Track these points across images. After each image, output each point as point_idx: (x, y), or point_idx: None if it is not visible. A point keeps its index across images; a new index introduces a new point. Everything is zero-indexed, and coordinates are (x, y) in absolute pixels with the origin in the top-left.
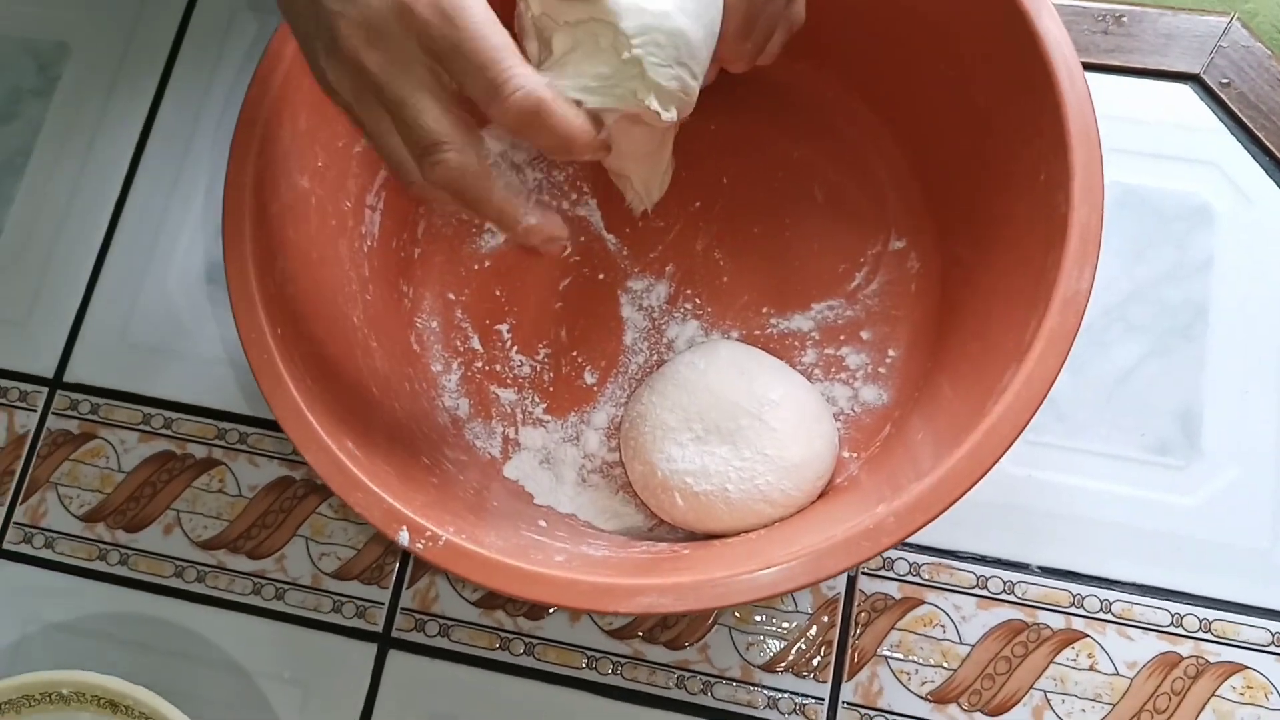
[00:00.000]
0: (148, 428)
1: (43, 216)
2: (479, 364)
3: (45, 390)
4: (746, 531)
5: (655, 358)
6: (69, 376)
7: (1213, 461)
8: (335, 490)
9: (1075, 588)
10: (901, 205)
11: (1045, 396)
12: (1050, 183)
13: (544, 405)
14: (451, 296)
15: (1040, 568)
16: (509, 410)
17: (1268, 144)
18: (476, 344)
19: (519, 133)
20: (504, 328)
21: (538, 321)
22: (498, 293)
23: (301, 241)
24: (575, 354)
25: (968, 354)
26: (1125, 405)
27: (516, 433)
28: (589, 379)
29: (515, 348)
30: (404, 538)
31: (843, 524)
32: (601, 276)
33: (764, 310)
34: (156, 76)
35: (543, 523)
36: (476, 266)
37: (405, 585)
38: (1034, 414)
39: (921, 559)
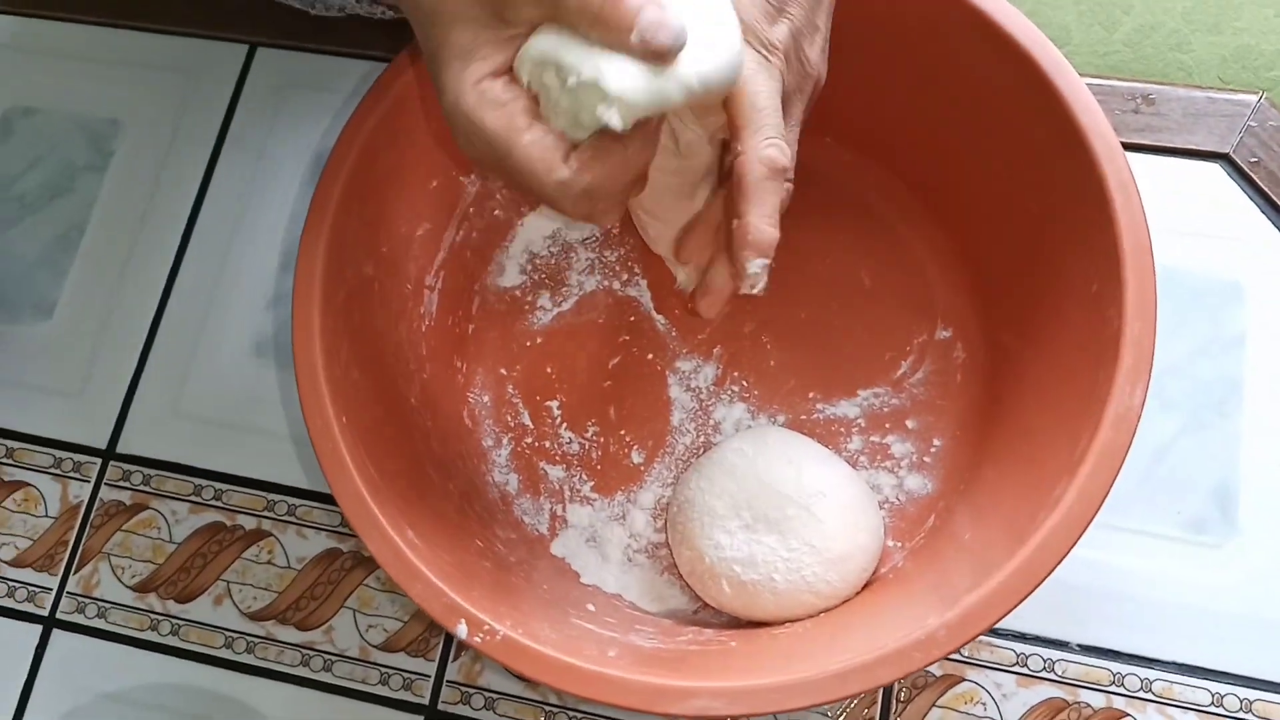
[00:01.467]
0: (198, 499)
1: (97, 290)
2: (529, 439)
3: (99, 461)
4: (791, 620)
5: (702, 439)
6: (122, 448)
7: (1250, 538)
8: (397, 581)
9: (1116, 666)
10: (949, 296)
11: (1097, 512)
12: (1102, 296)
13: (591, 483)
14: (504, 372)
15: (1080, 645)
16: (557, 487)
17: None
18: (527, 419)
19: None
20: (554, 404)
21: (587, 399)
22: (549, 369)
23: (365, 327)
24: (623, 433)
25: (1016, 453)
26: (1161, 482)
27: (564, 510)
28: (636, 458)
29: (564, 424)
30: (462, 631)
31: (890, 628)
32: (650, 356)
33: (810, 395)
34: (208, 152)
35: (591, 606)
36: (529, 343)
37: (451, 659)
38: (1086, 529)
39: None
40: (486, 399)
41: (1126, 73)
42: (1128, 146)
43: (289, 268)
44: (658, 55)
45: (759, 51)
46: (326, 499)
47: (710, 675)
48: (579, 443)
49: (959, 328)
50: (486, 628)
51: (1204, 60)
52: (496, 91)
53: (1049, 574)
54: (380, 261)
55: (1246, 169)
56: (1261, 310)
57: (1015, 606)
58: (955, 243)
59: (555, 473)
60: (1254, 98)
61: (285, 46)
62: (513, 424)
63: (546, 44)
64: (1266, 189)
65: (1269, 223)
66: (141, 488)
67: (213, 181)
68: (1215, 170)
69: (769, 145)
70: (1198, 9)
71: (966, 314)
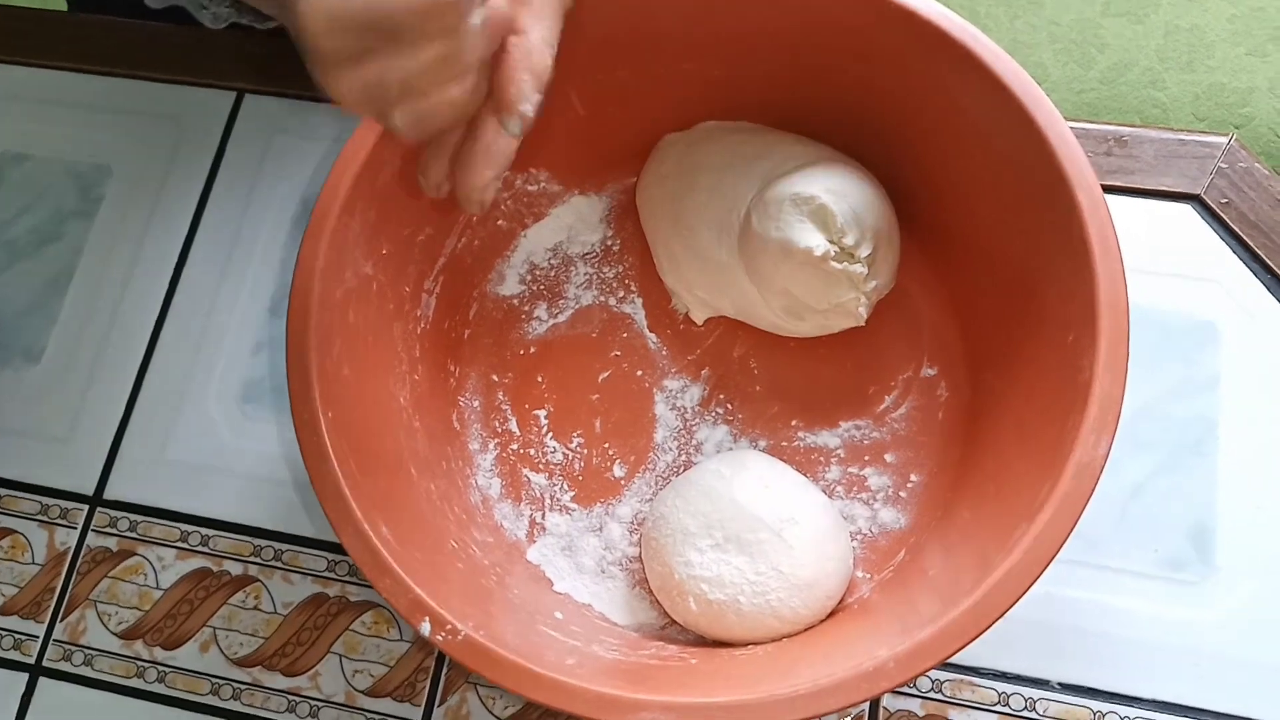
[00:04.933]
0: (185, 545)
1: (85, 336)
2: (514, 446)
3: (85, 508)
4: (754, 642)
5: (684, 458)
6: (109, 494)
7: (1227, 577)
8: (366, 574)
9: (1096, 704)
10: (936, 335)
11: (1052, 558)
12: (1078, 346)
13: (572, 493)
14: (495, 378)
15: (1061, 684)
16: (538, 495)
17: (1269, 262)
18: (514, 426)
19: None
20: (542, 413)
21: (574, 410)
22: (540, 379)
23: (360, 325)
24: (607, 446)
25: (988, 494)
26: (1138, 521)
27: (543, 517)
28: (618, 472)
29: (551, 434)
30: (426, 628)
31: (847, 657)
32: (640, 373)
33: (793, 423)
34: (196, 197)
35: (559, 614)
36: (522, 351)
37: (437, 703)
38: (1040, 574)
39: (943, 675)
40: (476, 403)
41: (1103, 110)
42: (1103, 188)
43: (278, 312)
44: None
45: None
46: (313, 543)
47: (664, 690)
48: (563, 452)
49: (944, 366)
50: (449, 627)
51: (1178, 97)
52: None
53: (1000, 616)
54: (380, 262)
55: (1218, 210)
56: (1235, 350)
57: (965, 645)
58: (945, 282)
59: (538, 480)
60: (1224, 139)
61: (272, 93)
62: (500, 430)
63: None
64: (1237, 229)
65: (1240, 263)
66: (128, 534)
67: (201, 227)
68: (1187, 211)
69: None
70: (1171, 48)
71: (953, 353)
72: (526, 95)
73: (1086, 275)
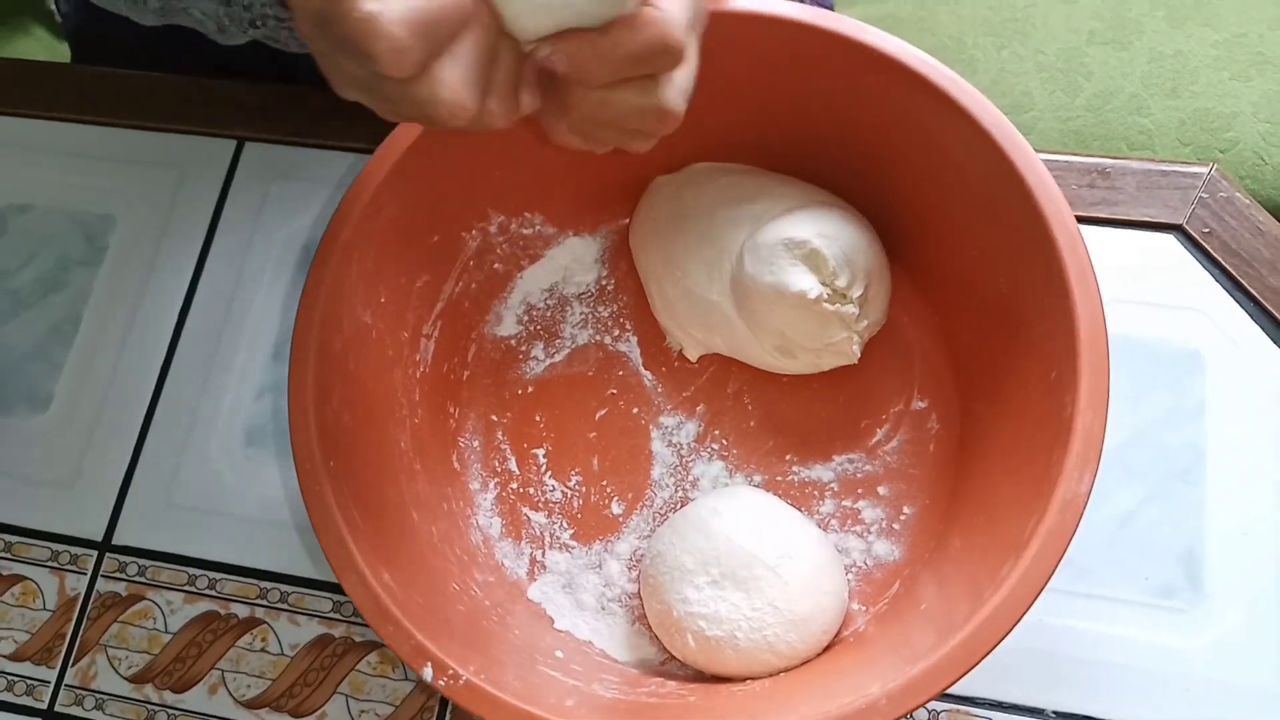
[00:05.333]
0: (193, 588)
1: (91, 383)
2: (514, 485)
3: (95, 553)
4: (752, 677)
5: (680, 494)
6: (117, 539)
7: (1217, 604)
8: (369, 621)
9: None
10: (927, 368)
11: (1039, 593)
12: (1060, 382)
13: (571, 531)
14: (494, 418)
15: (1055, 713)
16: (538, 533)
17: (1251, 290)
18: (513, 466)
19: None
20: (540, 452)
21: (572, 449)
22: (538, 418)
23: (360, 372)
24: (605, 483)
25: (976, 527)
26: (1128, 549)
27: (543, 555)
28: (616, 509)
29: (549, 472)
30: (428, 674)
31: (842, 692)
32: (636, 410)
33: (787, 457)
34: (199, 244)
35: (559, 653)
36: (520, 391)
37: None
38: (1027, 609)
39: (939, 705)
40: (476, 444)
41: (1090, 137)
42: (1087, 220)
43: (280, 357)
44: None
45: None
46: (319, 585)
47: None
48: (562, 490)
49: (935, 399)
50: (451, 672)
51: (1163, 124)
52: None
53: (990, 651)
54: (379, 310)
55: (1200, 239)
56: (1220, 378)
57: (954, 682)
58: (935, 316)
59: (537, 519)
60: (1204, 169)
61: (273, 140)
62: (500, 469)
63: None
64: (1219, 258)
65: (1223, 291)
66: (137, 579)
67: (204, 273)
68: (1170, 241)
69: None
70: (1155, 75)
71: (943, 386)
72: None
73: (1067, 313)
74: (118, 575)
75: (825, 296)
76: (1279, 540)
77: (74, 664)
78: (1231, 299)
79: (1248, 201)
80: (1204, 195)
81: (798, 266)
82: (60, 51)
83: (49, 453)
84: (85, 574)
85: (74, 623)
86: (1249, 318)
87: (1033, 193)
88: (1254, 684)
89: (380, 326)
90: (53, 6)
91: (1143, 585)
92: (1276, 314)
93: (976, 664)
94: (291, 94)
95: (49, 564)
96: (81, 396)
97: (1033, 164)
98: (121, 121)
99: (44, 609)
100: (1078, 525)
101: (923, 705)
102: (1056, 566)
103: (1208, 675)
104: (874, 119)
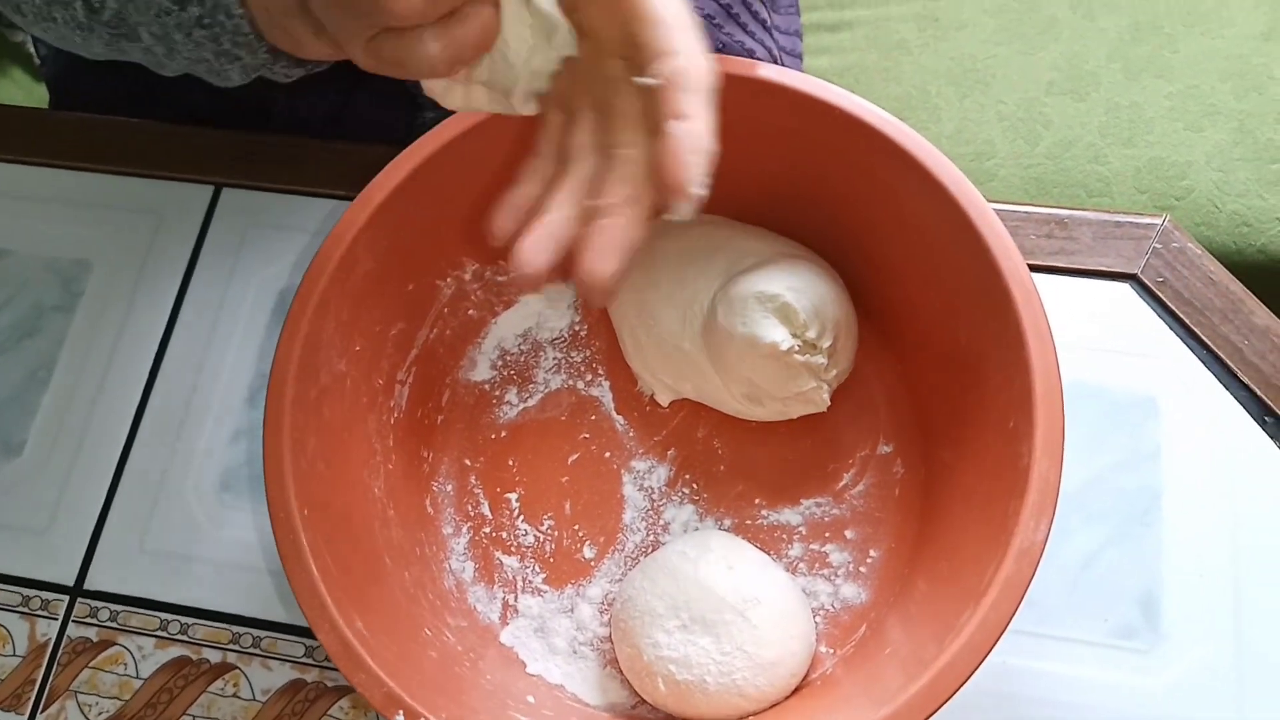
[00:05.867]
0: (164, 634)
1: (65, 428)
2: (487, 529)
3: (66, 598)
4: None
5: (652, 538)
6: (89, 584)
7: (1175, 644)
8: (340, 669)
9: None
10: (892, 414)
11: (997, 639)
12: (1017, 432)
13: (544, 575)
14: (468, 463)
15: None
16: (511, 577)
17: (1203, 337)
18: (486, 510)
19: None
20: (513, 496)
21: (545, 493)
22: (510, 462)
23: (334, 420)
24: (577, 527)
25: (939, 571)
26: (1089, 591)
27: (516, 599)
28: (588, 553)
29: (522, 516)
30: None
31: None
32: (608, 455)
33: (756, 501)
34: (175, 290)
35: (531, 698)
36: (493, 436)
37: None
38: (985, 656)
39: None
40: (450, 488)
41: (1050, 184)
42: (1044, 269)
43: (256, 402)
44: None
45: None
46: (292, 629)
47: None
48: (534, 535)
49: (900, 444)
50: (423, 719)
51: (1120, 172)
52: None
53: (949, 697)
54: (353, 359)
55: (1154, 288)
56: (1174, 423)
57: None
58: (899, 364)
59: (510, 563)
60: (1158, 220)
61: (250, 186)
62: (473, 513)
63: None
64: (1173, 307)
65: (1177, 339)
66: (108, 624)
67: (179, 319)
68: (1126, 290)
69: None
70: (1112, 125)
71: (907, 431)
72: (697, 177)
73: (1022, 366)
74: (89, 620)
75: (796, 348)
76: (1235, 581)
77: (43, 710)
78: (1185, 346)
79: (1199, 251)
80: (1158, 245)
81: (769, 319)
82: (38, 94)
83: (22, 498)
84: (56, 619)
85: (44, 668)
86: (1201, 364)
87: (989, 248)
88: None
89: (355, 374)
90: (31, 50)
91: (1103, 627)
92: (1228, 361)
93: (940, 707)
94: (268, 141)
95: (19, 609)
96: (56, 442)
97: (988, 219)
98: (99, 167)
99: (14, 654)
100: (1034, 572)
101: None
102: (1014, 612)
103: (1167, 714)
104: (837, 174)
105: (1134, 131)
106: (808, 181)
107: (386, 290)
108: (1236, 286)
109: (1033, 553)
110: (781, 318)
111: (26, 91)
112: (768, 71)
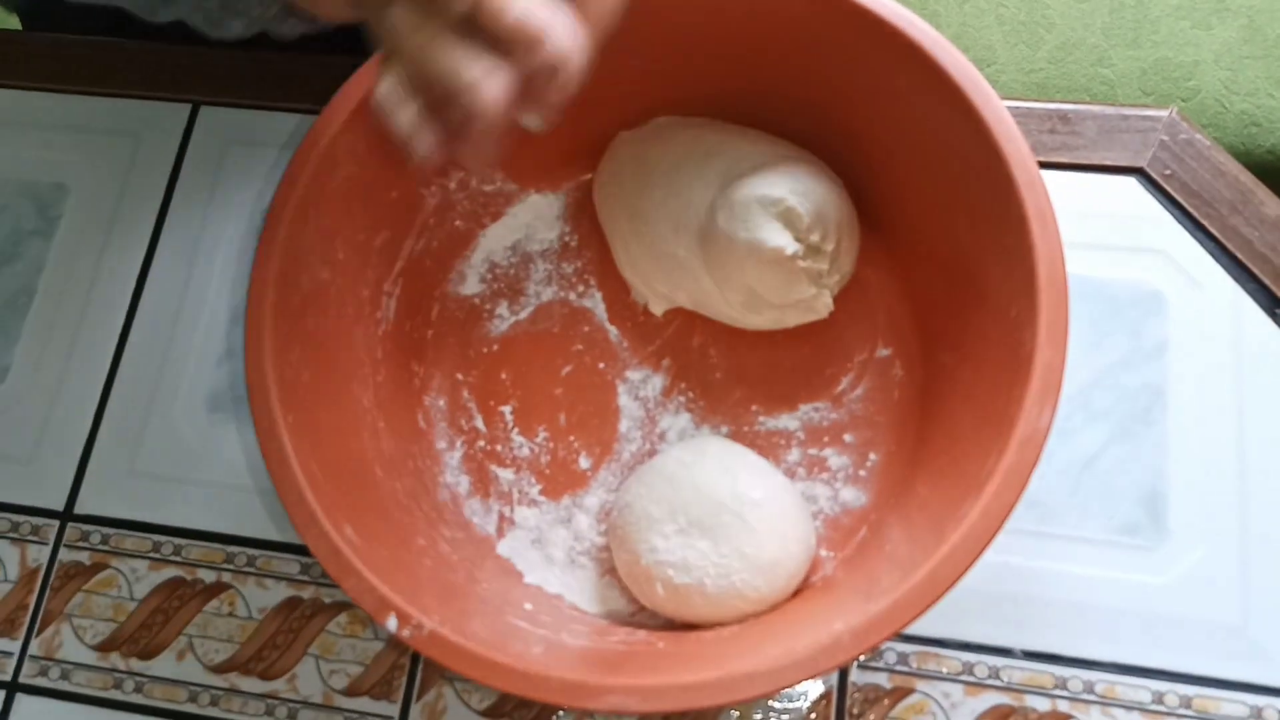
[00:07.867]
0: (157, 555)
1: (48, 353)
2: (481, 443)
3: (56, 523)
4: (722, 624)
5: (648, 447)
6: (79, 508)
7: (1180, 541)
8: (331, 574)
9: (1058, 670)
10: (890, 317)
11: (999, 529)
12: (1020, 320)
13: (539, 487)
14: (460, 377)
15: (1023, 651)
16: (506, 490)
17: (1211, 230)
18: (480, 424)
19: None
20: (507, 409)
21: (539, 405)
22: (503, 375)
23: (319, 330)
24: (572, 439)
25: (940, 470)
26: (1092, 490)
27: (512, 512)
28: (584, 464)
29: (516, 429)
30: (392, 624)
31: (809, 634)
32: (601, 366)
33: (753, 408)
34: (155, 211)
35: (529, 605)
36: (485, 350)
37: (414, 699)
38: (988, 545)
39: (909, 648)
40: (442, 403)
41: (1052, 89)
42: (1047, 165)
43: (239, 321)
44: None
45: None
46: (285, 548)
47: (631, 674)
48: (529, 447)
49: (898, 346)
50: (415, 622)
51: (1125, 74)
52: None
53: (951, 586)
54: (337, 267)
55: (1160, 181)
56: (1181, 318)
57: (917, 616)
58: (897, 265)
59: (505, 476)
60: (1165, 113)
61: (228, 104)
62: (466, 428)
63: None
64: (1180, 200)
65: (1185, 232)
66: (100, 547)
67: (161, 240)
68: (1131, 184)
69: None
70: (1116, 25)
71: (905, 333)
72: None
73: (1025, 250)
74: (80, 545)
75: (800, 253)
76: (1239, 476)
77: (38, 634)
78: (1193, 240)
79: (1208, 143)
80: (1164, 138)
81: (773, 223)
82: (9, 25)
83: (7, 425)
84: (47, 544)
85: (37, 593)
86: (1210, 257)
87: (991, 131)
88: (1216, 619)
89: (339, 283)
90: None
91: (1107, 524)
92: (1237, 254)
93: (938, 599)
94: (247, 56)
95: (9, 535)
96: (39, 367)
97: (990, 101)
98: (72, 88)
99: (5, 580)
100: (1038, 460)
101: (887, 640)
102: (1017, 502)
103: (1171, 611)
104: (833, 65)
105: (1139, 31)
106: (802, 77)
107: (369, 196)
108: (1246, 177)
109: (1036, 440)
110: (785, 222)
111: None
112: None
